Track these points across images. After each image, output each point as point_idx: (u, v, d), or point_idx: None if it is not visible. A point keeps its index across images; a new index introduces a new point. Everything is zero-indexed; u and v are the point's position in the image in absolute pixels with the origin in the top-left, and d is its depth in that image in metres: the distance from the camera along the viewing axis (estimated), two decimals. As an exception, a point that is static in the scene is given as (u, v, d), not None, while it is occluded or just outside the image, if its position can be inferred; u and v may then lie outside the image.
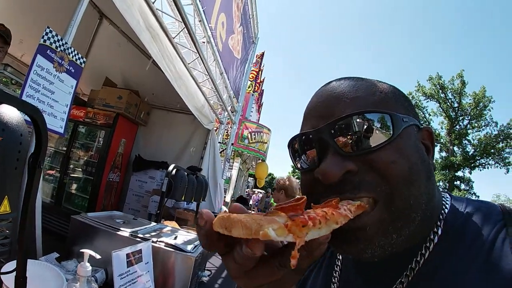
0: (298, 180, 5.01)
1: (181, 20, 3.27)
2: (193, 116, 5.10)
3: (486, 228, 0.55)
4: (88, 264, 1.35)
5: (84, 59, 2.47)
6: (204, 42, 4.02)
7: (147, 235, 2.02)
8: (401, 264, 0.57)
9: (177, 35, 3.46)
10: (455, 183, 36.76)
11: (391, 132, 0.53)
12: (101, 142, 5.46)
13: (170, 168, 3.04)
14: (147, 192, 5.73)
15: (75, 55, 2.32)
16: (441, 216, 0.59)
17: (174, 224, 3.11)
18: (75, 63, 2.33)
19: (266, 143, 10.93)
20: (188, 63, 3.95)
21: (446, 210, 0.60)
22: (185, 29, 3.35)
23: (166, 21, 3.42)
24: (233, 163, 11.65)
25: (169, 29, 3.44)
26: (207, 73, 4.28)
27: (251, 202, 15.11)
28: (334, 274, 0.70)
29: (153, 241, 1.92)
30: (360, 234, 0.52)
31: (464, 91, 37.41)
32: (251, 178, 17.88)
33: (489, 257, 0.50)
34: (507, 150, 36.04)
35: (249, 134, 10.43)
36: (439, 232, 0.57)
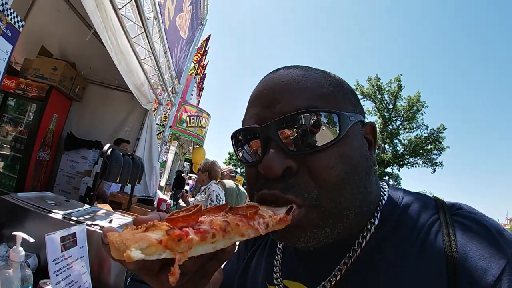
0: (228, 167, 5.11)
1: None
2: (131, 95, 4.89)
3: (421, 219, 0.58)
4: (21, 249, 1.22)
5: (23, 22, 2.21)
6: (150, 18, 3.81)
7: (81, 218, 1.88)
8: (340, 252, 0.59)
9: (123, 7, 3.24)
10: (384, 178, 39.51)
11: (337, 132, 0.53)
12: (32, 116, 5.06)
13: (106, 147, 2.86)
14: (78, 173, 5.44)
15: (14, 17, 2.07)
16: (378, 208, 0.61)
17: (107, 207, 2.95)
18: (13, 26, 2.08)
19: (204, 128, 10.86)
20: (132, 38, 3.72)
21: (384, 202, 0.63)
22: (133, 1, 3.14)
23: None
24: (169, 146, 11.40)
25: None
26: (150, 50, 4.07)
27: (187, 187, 14.91)
28: (276, 258, 0.71)
29: (87, 224, 1.80)
30: (291, 228, 0.53)
31: (400, 94, 40.33)
32: (187, 163, 17.59)
33: (424, 245, 0.53)
34: (435, 152, 39.63)
35: (188, 118, 10.27)
36: (376, 222, 0.59)
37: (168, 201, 5.62)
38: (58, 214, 1.85)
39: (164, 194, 9.19)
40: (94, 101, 6.01)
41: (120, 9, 3.20)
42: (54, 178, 5.64)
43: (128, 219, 2.19)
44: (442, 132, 39.04)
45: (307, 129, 0.53)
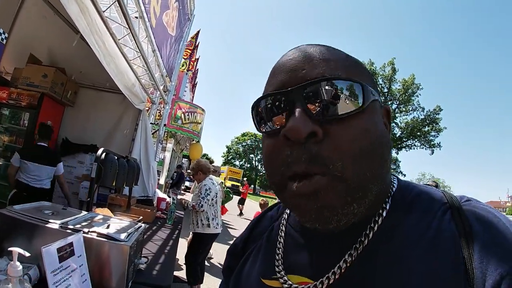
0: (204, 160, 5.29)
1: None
2: (124, 96, 4.86)
3: (433, 206, 0.56)
4: (18, 264, 1.22)
5: (6, 34, 2.19)
6: (136, 17, 3.78)
7: (78, 226, 1.87)
8: (349, 237, 0.57)
9: (107, 9, 3.21)
10: None
11: (360, 103, 0.52)
12: (26, 125, 5.07)
13: (99, 152, 2.86)
14: (76, 177, 5.44)
15: (-4, 30, 2.05)
16: (389, 193, 0.60)
17: (106, 211, 2.96)
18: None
19: (200, 123, 10.81)
20: (119, 39, 3.70)
21: (394, 189, 0.62)
22: (116, 2, 3.11)
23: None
24: (166, 144, 11.38)
25: (100, 2, 3.18)
26: (138, 50, 4.04)
27: (187, 184, 14.85)
28: (278, 252, 0.68)
29: (84, 232, 1.80)
30: (318, 198, 0.51)
31: (394, 78, 40.39)
32: (186, 159, 17.61)
33: (438, 232, 0.52)
34: (432, 133, 39.81)
35: (182, 115, 10.23)
36: (387, 207, 0.58)
37: (168, 199, 5.63)
38: (55, 224, 1.84)
39: (164, 192, 9.21)
40: (86, 105, 6.00)
41: (104, 11, 3.17)
42: (53, 185, 5.62)
43: (125, 222, 2.20)
44: (438, 113, 39.18)
45: (332, 96, 0.52)
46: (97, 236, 1.80)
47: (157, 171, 10.12)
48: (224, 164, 69.32)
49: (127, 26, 3.50)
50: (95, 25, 3.21)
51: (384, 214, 0.57)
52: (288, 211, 0.75)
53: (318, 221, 0.53)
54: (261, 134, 0.62)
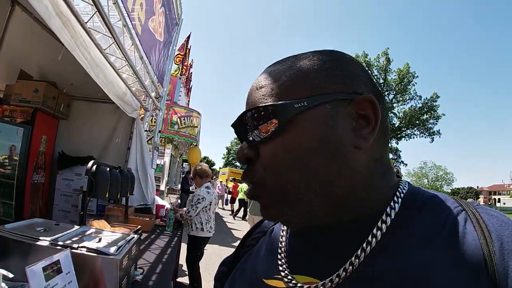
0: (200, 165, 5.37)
1: (92, 3, 2.99)
2: (116, 105, 4.83)
3: (446, 208, 0.56)
4: (3, 285, 1.21)
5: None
6: (120, 26, 3.75)
7: (68, 242, 1.86)
8: (356, 236, 0.55)
9: (89, 20, 3.18)
10: None
11: (277, 123, 0.55)
12: (21, 141, 4.92)
13: (89, 164, 2.83)
14: (75, 190, 5.39)
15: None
16: (398, 194, 0.59)
17: (103, 223, 2.93)
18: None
19: (196, 127, 10.80)
20: (104, 49, 3.67)
21: (405, 190, 0.60)
22: (98, 13, 3.08)
23: (78, 5, 3.12)
24: (164, 150, 11.36)
25: (82, 13, 3.15)
26: (125, 59, 4.01)
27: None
28: (280, 251, 0.66)
29: (74, 248, 1.78)
30: (258, 199, 0.61)
31: (389, 68, 40.57)
32: (186, 163, 17.61)
33: (454, 233, 0.51)
34: (431, 121, 40.05)
35: (178, 119, 10.22)
36: (397, 208, 0.57)
37: (167, 205, 5.61)
38: (45, 241, 1.83)
39: (166, 198, 9.21)
40: (80, 116, 5.95)
41: (86, 22, 3.14)
42: (52, 199, 5.62)
43: (117, 235, 2.17)
44: (436, 101, 39.31)
45: (254, 125, 0.57)
46: (86, 251, 1.78)
47: (157, 177, 10.15)
48: (225, 165, 69.38)
49: (111, 36, 3.46)
50: (79, 37, 3.18)
51: (393, 214, 0.56)
52: None
53: (268, 216, 0.63)
54: None
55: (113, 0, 3.29)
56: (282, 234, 0.70)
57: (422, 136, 40.56)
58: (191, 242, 4.82)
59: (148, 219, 4.42)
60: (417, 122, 39.79)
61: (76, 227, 2.24)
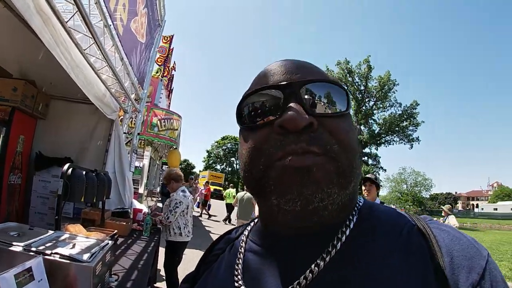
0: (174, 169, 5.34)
1: (73, 2, 2.93)
2: (96, 106, 4.75)
3: (400, 222, 0.59)
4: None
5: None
6: (101, 26, 3.69)
7: (42, 248, 1.80)
8: (315, 247, 0.56)
9: (70, 19, 3.11)
10: (363, 158, 40.82)
11: (346, 108, 0.58)
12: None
13: (65, 168, 2.77)
14: (52, 192, 5.27)
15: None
16: (358, 205, 0.62)
17: (78, 227, 2.86)
18: None
19: (177, 129, 10.71)
20: (84, 50, 3.60)
21: (361, 203, 0.64)
22: (78, 12, 3.02)
23: (59, 4, 3.06)
24: (143, 152, 11.21)
25: (64, 11, 3.09)
26: (105, 60, 3.95)
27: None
28: (237, 267, 0.65)
29: (47, 254, 1.73)
30: (309, 173, 0.52)
31: (370, 75, 41.52)
32: (166, 166, 17.43)
33: (407, 244, 0.54)
34: (411, 128, 41.05)
35: (158, 122, 10.12)
36: (354, 219, 0.59)
37: (145, 210, 5.53)
38: (18, 247, 1.77)
39: (144, 201, 9.07)
40: (58, 117, 5.83)
41: (67, 22, 3.08)
42: (29, 200, 5.47)
43: (91, 241, 2.12)
44: (415, 108, 40.38)
45: (327, 97, 0.57)
46: (59, 257, 1.73)
47: (136, 180, 9.99)
48: (205, 168, 69.18)
49: (91, 36, 3.40)
50: (60, 36, 3.11)
51: (352, 225, 0.58)
52: (249, 228, 0.74)
53: (301, 197, 0.52)
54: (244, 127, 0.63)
55: (94, 0, 3.23)
56: (240, 250, 0.69)
57: (402, 142, 41.63)
58: (169, 247, 4.75)
59: (125, 223, 4.35)
60: (397, 129, 40.78)
61: (50, 232, 2.18)
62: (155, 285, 4.98)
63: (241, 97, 0.63)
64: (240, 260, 0.67)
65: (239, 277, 0.63)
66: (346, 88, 0.59)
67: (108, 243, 2.14)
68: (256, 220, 0.75)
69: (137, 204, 5.86)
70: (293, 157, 0.52)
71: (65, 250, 1.80)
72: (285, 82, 0.57)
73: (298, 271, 0.55)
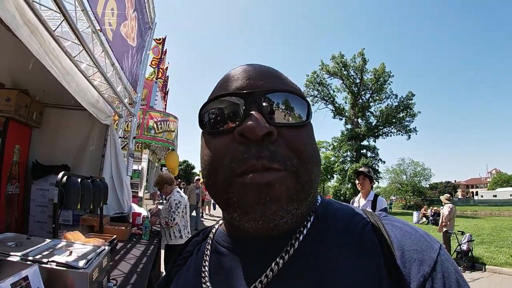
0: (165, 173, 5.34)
1: (59, 11, 2.93)
2: (90, 112, 4.75)
3: (354, 220, 0.61)
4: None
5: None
6: (89, 33, 3.68)
7: (38, 256, 1.82)
8: (275, 247, 0.59)
9: (57, 28, 3.11)
10: (361, 151, 40.96)
11: (306, 118, 0.59)
12: None
13: (59, 176, 2.78)
14: (50, 200, 5.27)
15: None
16: (313, 208, 0.64)
17: (77, 234, 2.87)
18: None
19: (174, 131, 10.68)
20: (74, 56, 3.60)
21: (318, 202, 0.66)
22: (65, 20, 3.02)
23: (45, 13, 3.06)
24: (141, 155, 11.20)
25: (51, 19, 3.10)
26: (95, 66, 3.95)
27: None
28: (203, 270, 0.67)
29: (44, 262, 1.75)
30: (270, 191, 0.52)
31: (366, 68, 41.48)
32: (165, 168, 17.40)
33: (360, 242, 0.56)
34: (407, 119, 40.98)
35: (155, 124, 10.10)
36: (311, 220, 0.62)
37: (144, 213, 5.54)
38: (16, 256, 1.79)
39: (144, 205, 9.06)
40: (53, 124, 5.86)
41: (54, 30, 3.08)
42: (28, 210, 5.48)
43: (88, 247, 2.14)
44: (411, 99, 40.38)
45: (288, 107, 0.58)
46: (56, 265, 1.75)
47: (135, 183, 9.99)
48: (206, 169, 68.88)
49: (80, 43, 3.40)
50: (49, 45, 3.12)
51: (309, 225, 0.60)
52: (214, 230, 0.75)
53: (262, 217, 0.53)
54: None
55: (81, 7, 3.23)
56: (206, 253, 0.71)
57: (399, 133, 41.63)
58: (170, 251, 4.70)
59: (124, 228, 4.37)
60: (394, 120, 40.73)
61: (48, 240, 2.19)
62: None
63: (203, 102, 0.63)
64: (207, 262, 0.68)
65: (206, 278, 0.65)
66: (307, 100, 0.60)
67: (104, 249, 2.16)
68: (220, 222, 0.75)
69: (136, 208, 5.86)
70: (254, 174, 0.53)
71: (62, 258, 1.82)
72: (246, 91, 0.58)
73: (260, 270, 0.57)
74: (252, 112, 0.55)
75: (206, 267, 0.67)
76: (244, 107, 0.56)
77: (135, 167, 11.16)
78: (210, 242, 0.72)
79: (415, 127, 40.76)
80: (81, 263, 1.77)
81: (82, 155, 5.84)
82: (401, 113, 40.52)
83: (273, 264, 0.56)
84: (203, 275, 0.66)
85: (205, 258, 0.70)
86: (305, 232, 0.59)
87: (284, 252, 0.57)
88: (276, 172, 0.53)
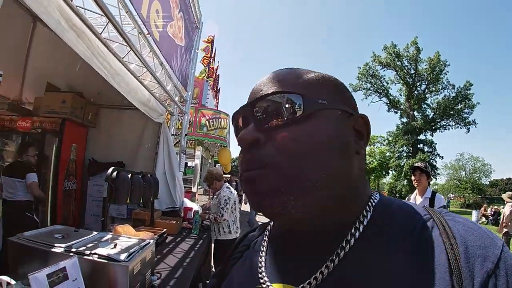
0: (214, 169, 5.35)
1: (103, 14, 3.04)
2: (142, 111, 4.93)
3: (416, 216, 0.60)
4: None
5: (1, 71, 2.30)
6: (136, 34, 3.80)
7: (82, 248, 1.89)
8: (330, 242, 0.59)
9: (103, 30, 3.24)
10: (418, 146, 38.92)
11: (300, 112, 0.57)
12: (52, 151, 5.24)
13: (109, 171, 2.89)
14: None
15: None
16: (370, 204, 0.62)
17: (127, 228, 2.98)
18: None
19: (225, 128, 10.81)
20: (122, 58, 3.73)
21: (377, 199, 0.64)
22: (110, 23, 3.12)
23: (91, 17, 3.19)
24: (194, 152, 11.49)
25: (96, 24, 3.22)
26: (143, 66, 4.07)
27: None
28: (260, 260, 0.70)
29: (86, 254, 1.81)
30: (255, 187, 0.57)
31: (420, 57, 39.38)
32: (218, 165, 17.86)
33: (421, 239, 0.55)
34: (466, 110, 38.39)
35: (207, 122, 10.28)
36: (368, 216, 0.60)
37: (195, 208, 5.65)
38: (60, 248, 1.87)
39: (197, 200, 9.31)
40: (108, 124, 6.19)
41: (101, 33, 3.21)
42: (85, 204, 5.84)
43: (133, 240, 2.19)
44: (469, 89, 37.71)
45: (274, 108, 0.59)
46: (98, 258, 1.80)
47: (189, 179, 10.28)
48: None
49: (126, 44, 3.52)
50: (96, 48, 3.25)
51: (365, 222, 0.59)
52: (270, 226, 0.78)
53: (259, 206, 0.58)
54: None
55: (125, 9, 3.33)
56: (263, 247, 0.72)
57: (458, 126, 38.93)
58: (219, 245, 4.72)
59: (174, 222, 4.47)
60: (452, 112, 38.19)
61: (94, 233, 2.28)
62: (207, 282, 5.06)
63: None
64: (263, 256, 0.70)
65: (263, 273, 0.65)
66: (299, 92, 0.59)
67: (149, 243, 2.20)
68: None
69: (188, 203, 6.00)
70: (243, 173, 0.60)
71: (105, 250, 1.88)
72: (240, 107, 0.64)
73: (311, 270, 0.57)
74: (247, 124, 0.61)
75: (263, 262, 0.69)
76: (242, 120, 0.64)
77: (189, 163, 11.48)
78: (266, 237, 0.75)
79: (474, 119, 38.14)
80: (123, 256, 1.81)
81: (136, 153, 6.07)
82: (459, 104, 37.98)
83: (328, 262, 0.56)
84: (260, 270, 0.67)
85: (261, 252, 0.72)
86: (361, 229, 0.59)
87: (340, 249, 0.57)
88: (259, 170, 0.57)
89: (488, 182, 47.21)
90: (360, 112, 0.66)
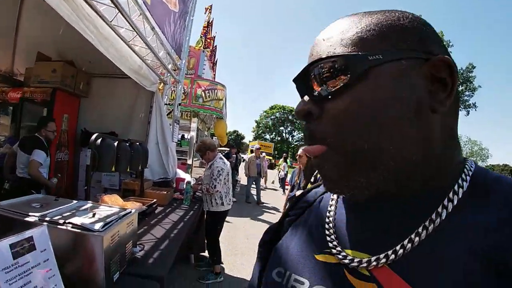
0: (207, 139, 5.25)
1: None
2: (134, 79, 4.77)
3: None
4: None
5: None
6: (126, -3, 3.57)
7: (57, 217, 1.79)
8: (416, 213, 0.52)
9: (89, -9, 3.03)
10: None
11: (348, 77, 0.51)
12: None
13: (93, 137, 2.76)
14: (97, 166, 5.47)
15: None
16: (465, 171, 0.54)
17: (115, 198, 2.89)
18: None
19: (221, 100, 10.62)
20: (110, 21, 3.53)
21: (473, 168, 0.55)
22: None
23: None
24: (190, 124, 11.35)
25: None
26: (133, 30, 3.86)
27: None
28: (327, 227, 0.63)
29: (59, 224, 1.71)
30: (322, 172, 0.56)
31: (421, 36, 39.15)
32: (215, 138, 17.82)
33: None
34: (467, 93, 38.29)
35: (203, 93, 10.10)
36: (465, 187, 0.51)
37: (188, 179, 5.57)
38: (33, 217, 1.77)
39: (193, 172, 9.24)
40: (101, 94, 6.09)
41: (87, -6, 3.01)
42: (77, 175, 5.77)
43: (114, 210, 2.08)
44: (471, 71, 37.58)
45: (322, 77, 0.53)
46: (71, 227, 1.70)
47: (184, 151, 10.20)
48: (255, 139, 70.20)
49: (114, 5, 3.32)
50: (82, 10, 3.08)
51: (460, 193, 0.51)
52: None
53: (333, 192, 0.61)
54: (288, 105, 0.56)
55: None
56: (331, 203, 0.67)
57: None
58: (211, 217, 4.64)
59: (165, 192, 4.39)
60: (452, 93, 38.79)
61: (74, 201, 2.18)
62: (201, 254, 5.05)
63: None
64: (332, 212, 0.65)
65: (331, 230, 0.61)
66: (342, 54, 0.52)
67: (130, 212, 2.10)
68: None
69: (181, 174, 5.93)
70: (306, 147, 0.58)
71: (80, 220, 1.78)
72: (293, 79, 0.58)
73: (395, 237, 0.51)
74: (302, 92, 0.58)
75: (331, 223, 0.63)
76: (298, 88, 0.59)
77: (185, 135, 11.36)
78: (335, 197, 0.68)
79: (475, 103, 38.04)
80: (98, 226, 1.71)
81: (129, 122, 5.98)
82: (460, 86, 38.21)
83: (413, 235, 0.49)
84: (327, 226, 0.63)
85: (328, 213, 0.66)
86: (455, 201, 0.50)
87: (429, 222, 0.49)
88: (315, 147, 0.55)
89: (484, 167, 47.93)
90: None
